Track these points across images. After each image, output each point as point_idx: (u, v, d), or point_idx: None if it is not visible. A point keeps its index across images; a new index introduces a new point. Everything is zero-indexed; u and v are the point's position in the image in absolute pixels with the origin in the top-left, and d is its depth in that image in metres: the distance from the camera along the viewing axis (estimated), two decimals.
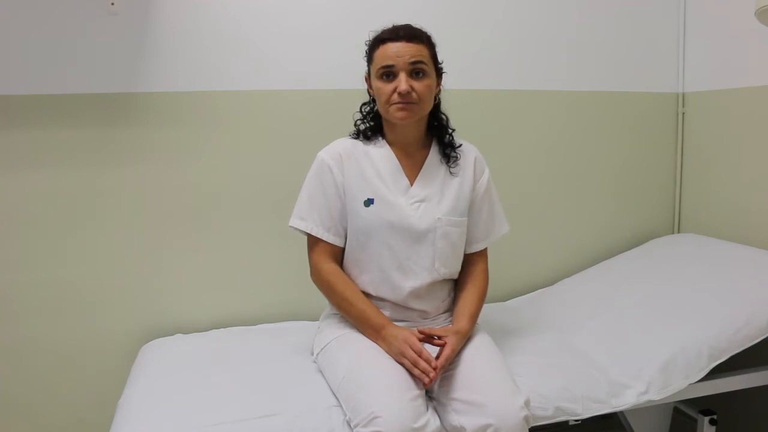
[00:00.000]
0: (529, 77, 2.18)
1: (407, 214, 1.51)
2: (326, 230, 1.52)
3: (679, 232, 2.37)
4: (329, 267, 1.53)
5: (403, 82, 1.44)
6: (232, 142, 1.94)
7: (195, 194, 1.92)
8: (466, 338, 1.47)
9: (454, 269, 1.58)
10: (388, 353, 1.40)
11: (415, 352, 1.36)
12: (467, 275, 1.60)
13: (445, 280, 1.59)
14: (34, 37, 1.76)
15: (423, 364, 1.34)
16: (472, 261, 1.61)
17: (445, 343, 1.41)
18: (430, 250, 1.52)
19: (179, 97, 1.89)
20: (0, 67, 1.75)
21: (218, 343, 1.80)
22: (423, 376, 1.34)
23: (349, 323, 1.52)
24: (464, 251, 1.61)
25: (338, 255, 1.56)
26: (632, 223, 2.34)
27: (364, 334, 1.47)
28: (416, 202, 1.52)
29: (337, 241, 1.53)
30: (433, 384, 1.39)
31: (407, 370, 1.36)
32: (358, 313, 1.48)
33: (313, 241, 1.54)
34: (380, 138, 1.58)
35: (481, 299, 1.57)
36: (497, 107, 2.16)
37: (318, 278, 1.54)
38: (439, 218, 1.51)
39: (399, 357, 1.38)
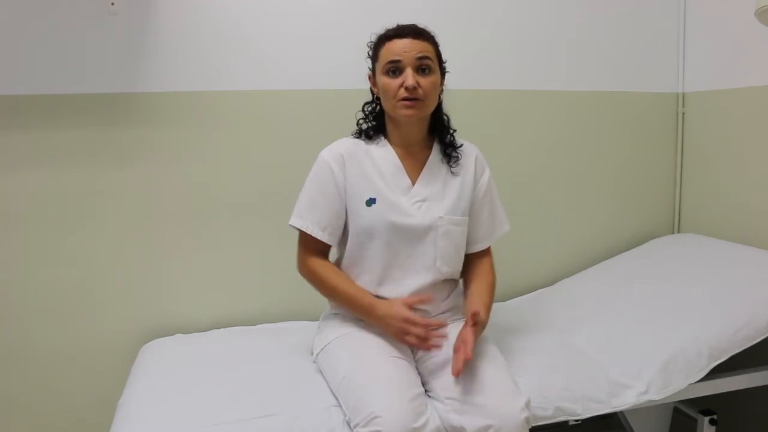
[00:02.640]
0: (529, 77, 2.18)
1: (409, 213, 1.51)
2: (322, 229, 1.53)
3: (679, 232, 2.37)
4: (315, 259, 1.55)
5: (410, 76, 1.45)
6: (232, 142, 1.94)
7: (195, 194, 1.92)
8: (484, 328, 1.48)
9: (455, 269, 1.58)
10: (386, 333, 1.44)
11: (417, 324, 1.40)
12: (474, 271, 1.61)
13: (446, 281, 1.59)
14: (33, 37, 1.76)
15: (418, 330, 1.40)
16: (477, 258, 1.63)
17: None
18: (432, 249, 1.52)
19: (179, 97, 1.89)
20: (0, 67, 1.75)
21: (218, 343, 1.80)
22: (423, 343, 1.40)
23: (349, 323, 1.53)
24: (468, 251, 1.62)
25: (327, 252, 1.58)
26: (632, 223, 2.34)
27: (357, 315, 1.50)
28: (418, 201, 1.53)
29: (331, 240, 1.55)
30: (434, 384, 1.39)
31: (415, 346, 1.41)
32: (346, 296, 1.51)
33: (304, 238, 1.55)
34: (382, 138, 1.58)
35: (492, 291, 1.58)
36: (497, 107, 2.16)
37: (305, 270, 1.56)
38: (441, 217, 1.52)
39: (400, 337, 1.41)
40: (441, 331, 1.45)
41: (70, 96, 1.81)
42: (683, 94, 2.32)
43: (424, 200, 1.53)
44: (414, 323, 1.40)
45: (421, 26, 1.52)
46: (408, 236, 1.51)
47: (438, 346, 1.40)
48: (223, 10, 1.89)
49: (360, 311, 1.50)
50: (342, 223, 1.55)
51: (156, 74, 1.86)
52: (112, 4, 1.79)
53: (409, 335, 1.40)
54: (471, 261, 1.62)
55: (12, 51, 1.75)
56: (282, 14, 1.94)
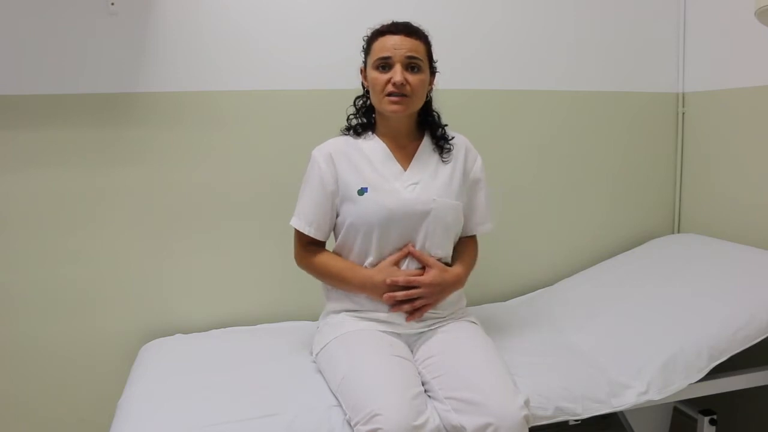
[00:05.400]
0: (528, 77, 2.18)
1: (403, 197, 1.53)
2: (308, 224, 1.57)
3: (679, 232, 2.37)
4: (309, 250, 1.61)
5: (398, 73, 1.48)
6: (231, 143, 1.94)
7: (195, 194, 1.92)
8: (451, 282, 1.55)
9: (446, 252, 1.60)
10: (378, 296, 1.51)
11: (400, 283, 1.50)
12: (460, 247, 1.66)
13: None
14: (33, 37, 1.76)
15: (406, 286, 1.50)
16: (464, 239, 1.68)
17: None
18: (426, 231, 1.54)
19: (179, 97, 1.89)
20: (0, 67, 1.75)
21: (218, 343, 1.80)
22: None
23: (349, 323, 1.53)
24: (467, 232, 1.67)
25: (322, 245, 1.63)
26: (632, 223, 2.34)
27: (357, 292, 1.55)
28: (411, 184, 1.56)
29: (318, 235, 1.59)
30: (433, 383, 1.39)
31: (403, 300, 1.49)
32: (340, 274, 1.56)
33: (297, 232, 1.60)
34: (371, 133, 1.62)
35: (473, 257, 1.67)
36: (497, 107, 2.16)
37: (301, 262, 1.63)
38: (434, 199, 1.54)
39: (390, 301, 1.50)
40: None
41: (70, 96, 1.81)
42: (683, 94, 2.32)
43: (416, 184, 1.56)
44: (396, 281, 1.49)
45: (415, 25, 1.55)
46: (402, 219, 1.53)
47: (412, 316, 1.51)
48: (223, 10, 1.89)
49: (355, 284, 1.54)
50: (330, 218, 1.59)
51: (156, 74, 1.86)
52: (112, 4, 1.79)
53: (393, 293, 1.49)
54: (460, 241, 1.67)
55: (12, 51, 1.75)
56: (283, 14, 1.94)
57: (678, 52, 2.31)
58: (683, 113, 2.32)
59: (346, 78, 1.86)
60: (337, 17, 1.97)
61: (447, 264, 1.60)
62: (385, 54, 1.50)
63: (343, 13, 1.97)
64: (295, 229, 1.60)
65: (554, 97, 2.21)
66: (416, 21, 1.56)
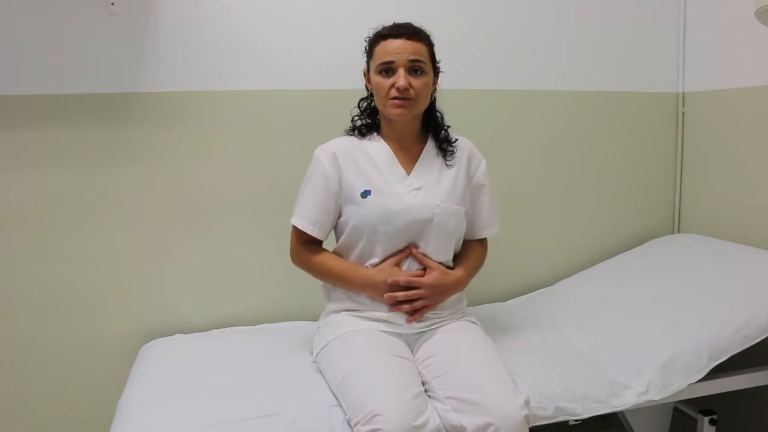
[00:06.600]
0: (528, 77, 2.18)
1: (406, 201, 1.53)
2: (312, 224, 1.57)
3: (679, 232, 2.37)
4: (308, 249, 1.60)
5: (401, 77, 1.48)
6: (232, 143, 1.94)
7: (195, 194, 1.92)
8: (451, 285, 1.55)
9: (447, 257, 1.60)
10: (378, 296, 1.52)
11: (401, 283, 1.50)
12: (466, 249, 1.66)
13: None
14: (33, 37, 1.76)
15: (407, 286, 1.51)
16: (473, 241, 1.67)
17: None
18: (427, 236, 1.54)
19: (179, 97, 1.89)
20: (0, 67, 1.75)
21: (218, 343, 1.80)
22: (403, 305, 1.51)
23: (349, 323, 1.53)
24: (471, 236, 1.66)
25: (320, 244, 1.63)
26: (632, 223, 2.34)
27: (355, 291, 1.55)
28: (414, 189, 1.55)
29: (320, 235, 1.59)
30: (433, 383, 1.39)
31: (403, 300, 1.50)
32: (339, 274, 1.56)
33: (297, 230, 1.59)
34: (375, 134, 1.61)
35: (478, 261, 1.66)
36: (497, 107, 2.16)
37: (298, 260, 1.62)
38: (437, 204, 1.54)
39: (390, 301, 1.50)
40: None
41: (70, 96, 1.81)
42: (683, 94, 2.32)
43: (419, 188, 1.55)
44: (397, 281, 1.49)
45: (416, 25, 1.54)
46: (405, 224, 1.52)
47: (413, 317, 1.52)
48: (223, 10, 1.89)
49: (354, 286, 1.54)
50: (332, 218, 1.58)
51: (156, 74, 1.86)
52: (112, 4, 1.79)
53: (394, 293, 1.49)
54: (466, 244, 1.67)
55: (12, 51, 1.75)
56: (283, 14, 1.94)
57: (678, 52, 2.31)
58: (683, 113, 2.32)
59: (346, 78, 1.87)
60: (337, 17, 1.97)
61: (448, 267, 1.60)
62: (388, 59, 1.49)
63: (343, 13, 1.97)
64: (294, 227, 1.60)
65: (554, 97, 2.21)
66: (416, 21, 1.55)
